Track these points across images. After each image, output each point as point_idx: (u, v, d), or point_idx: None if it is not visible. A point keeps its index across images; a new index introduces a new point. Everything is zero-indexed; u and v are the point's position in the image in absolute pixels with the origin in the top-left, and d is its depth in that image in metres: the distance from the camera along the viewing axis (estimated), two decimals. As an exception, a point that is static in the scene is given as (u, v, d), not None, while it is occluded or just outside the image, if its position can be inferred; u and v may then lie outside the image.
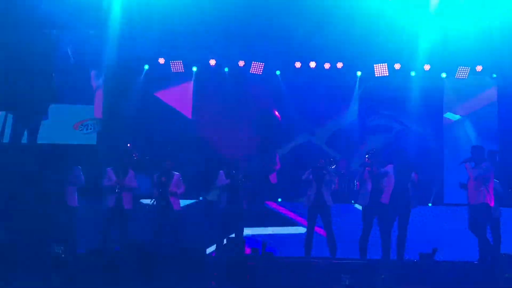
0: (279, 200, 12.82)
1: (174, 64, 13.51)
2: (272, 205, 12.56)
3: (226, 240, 9.83)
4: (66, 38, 11.97)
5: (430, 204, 12.67)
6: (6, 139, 10.18)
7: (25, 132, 9.95)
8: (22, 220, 9.11)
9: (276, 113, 13.92)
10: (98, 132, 13.01)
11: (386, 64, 13.40)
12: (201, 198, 12.68)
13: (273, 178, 13.02)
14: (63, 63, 11.88)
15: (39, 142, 11.60)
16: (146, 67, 13.71)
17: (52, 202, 9.93)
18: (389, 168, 10.34)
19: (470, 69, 13.30)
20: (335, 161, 11.01)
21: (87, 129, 12.94)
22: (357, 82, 13.96)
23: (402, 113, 13.86)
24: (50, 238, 8.30)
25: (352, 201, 12.09)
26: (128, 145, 12.40)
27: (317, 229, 10.72)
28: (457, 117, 13.78)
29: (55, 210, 10.23)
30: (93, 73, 12.85)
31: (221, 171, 10.87)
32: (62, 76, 11.70)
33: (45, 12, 9.50)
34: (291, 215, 12.35)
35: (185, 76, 13.81)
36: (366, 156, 10.51)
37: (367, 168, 10.31)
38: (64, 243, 8.02)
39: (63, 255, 7.98)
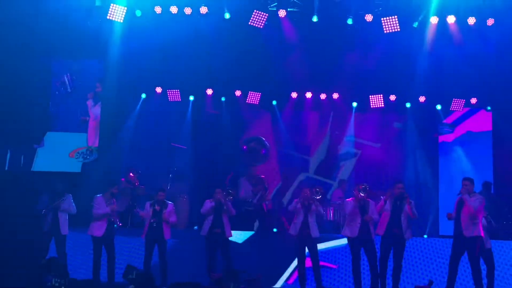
0: (274, 230, 12.79)
1: (171, 93, 13.58)
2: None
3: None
4: (63, 67, 12.10)
5: (425, 236, 12.62)
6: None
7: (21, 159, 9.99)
8: (15, 248, 9.10)
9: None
10: (93, 161, 13.00)
11: (381, 95, 13.48)
12: (195, 227, 12.64)
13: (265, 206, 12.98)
14: (60, 92, 11.97)
15: (35, 169, 11.69)
16: (143, 96, 13.78)
17: (44, 230, 9.95)
18: (412, 203, 10.32)
19: (465, 101, 13.40)
20: (320, 192, 10.94)
21: (83, 157, 12.94)
22: (353, 113, 14.05)
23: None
24: (44, 268, 8.23)
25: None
26: (122, 179, 12.49)
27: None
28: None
29: (47, 238, 10.26)
30: (89, 102, 12.89)
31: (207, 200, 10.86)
32: (59, 104, 11.82)
33: (44, 41, 9.64)
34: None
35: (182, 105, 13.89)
36: (361, 188, 10.47)
37: (359, 198, 10.32)
38: (59, 273, 7.96)
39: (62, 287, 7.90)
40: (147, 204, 10.69)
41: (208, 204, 10.61)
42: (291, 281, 11.19)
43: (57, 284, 6.86)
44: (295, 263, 10.86)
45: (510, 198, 12.84)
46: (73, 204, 10.47)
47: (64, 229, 10.37)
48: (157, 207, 10.56)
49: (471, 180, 10.03)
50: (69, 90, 12.59)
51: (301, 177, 14.05)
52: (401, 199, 10.17)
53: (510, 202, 12.70)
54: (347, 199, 10.66)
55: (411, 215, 10.12)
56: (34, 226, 9.68)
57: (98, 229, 10.30)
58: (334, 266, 11.09)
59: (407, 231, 10.18)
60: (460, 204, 9.88)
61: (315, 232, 10.48)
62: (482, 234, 9.80)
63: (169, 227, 10.61)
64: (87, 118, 12.79)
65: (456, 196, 10.00)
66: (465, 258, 9.96)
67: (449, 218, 10.01)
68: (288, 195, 13.92)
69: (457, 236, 9.95)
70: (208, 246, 10.63)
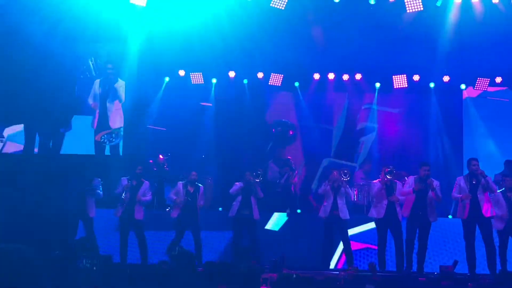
0: (298, 211, 12.87)
1: (194, 76, 13.65)
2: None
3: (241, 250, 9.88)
4: (88, 51, 12.19)
5: (450, 216, 12.60)
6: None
7: (50, 143, 10.13)
8: (43, 231, 9.27)
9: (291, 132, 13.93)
10: (118, 143, 13.16)
11: (405, 75, 13.40)
12: (220, 209, 12.77)
13: (292, 187, 13.03)
14: (85, 76, 12.07)
15: (62, 152, 11.84)
16: (167, 79, 13.87)
17: (74, 213, 10.14)
18: (410, 180, 10.38)
19: (489, 80, 13.27)
20: (348, 173, 11.00)
21: (108, 140, 13.10)
22: (376, 93, 14.00)
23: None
24: (75, 248, 8.38)
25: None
26: (151, 161, 12.59)
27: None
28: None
29: (76, 221, 10.45)
30: (96, 82, 12.99)
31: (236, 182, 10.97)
32: (84, 88, 11.92)
33: (69, 26, 9.73)
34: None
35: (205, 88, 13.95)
36: (387, 171, 10.48)
37: (385, 180, 10.34)
38: (90, 254, 8.10)
39: (94, 268, 8.02)
40: (179, 184, 10.79)
41: (237, 185, 10.75)
42: (340, 265, 11.26)
43: (88, 265, 6.98)
44: (341, 246, 10.93)
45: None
46: (101, 188, 10.67)
47: (92, 211, 10.56)
48: (190, 188, 10.70)
49: (477, 160, 10.18)
50: (94, 74, 12.72)
51: (325, 162, 14.06)
52: (426, 181, 10.20)
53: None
54: (374, 181, 10.71)
55: (435, 198, 10.15)
56: (63, 209, 9.82)
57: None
58: (374, 247, 11.11)
59: (432, 213, 10.21)
60: (475, 184, 9.98)
61: (345, 214, 10.56)
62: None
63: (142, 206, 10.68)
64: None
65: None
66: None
67: (465, 199, 10.04)
68: (315, 181, 13.93)
69: (474, 216, 10.01)
70: (235, 227, 10.75)
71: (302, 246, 11.50)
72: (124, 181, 10.60)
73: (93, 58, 12.50)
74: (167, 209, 10.83)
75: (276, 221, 11.93)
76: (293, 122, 14.06)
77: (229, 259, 10.49)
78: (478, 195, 10.00)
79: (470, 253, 10.16)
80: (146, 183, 10.68)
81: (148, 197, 10.66)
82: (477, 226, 10.12)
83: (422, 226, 10.25)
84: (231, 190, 10.82)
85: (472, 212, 10.03)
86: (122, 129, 13.15)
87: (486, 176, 10.11)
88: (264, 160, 13.62)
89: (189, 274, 5.61)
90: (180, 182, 10.85)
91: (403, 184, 10.56)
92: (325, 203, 10.63)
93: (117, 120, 13.06)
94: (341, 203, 10.55)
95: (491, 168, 12.00)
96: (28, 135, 10.52)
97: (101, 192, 10.65)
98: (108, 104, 12.92)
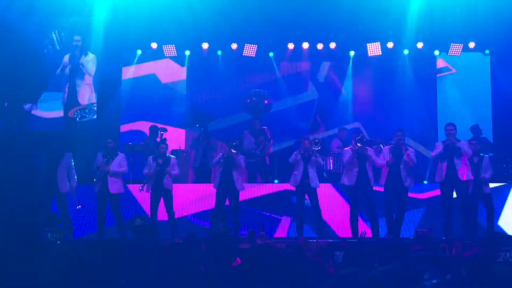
0: (275, 181, 12.87)
1: (167, 49, 13.50)
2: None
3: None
4: (51, 25, 11.94)
5: (425, 182, 12.69)
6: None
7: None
8: (13, 207, 9.20)
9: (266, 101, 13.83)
10: (92, 119, 13.03)
11: (379, 43, 13.36)
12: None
13: (268, 160, 13.01)
14: (48, 50, 11.84)
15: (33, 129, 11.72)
16: (139, 52, 13.72)
17: (45, 189, 10.04)
18: (385, 150, 10.45)
19: (463, 46, 13.26)
20: (319, 142, 10.99)
21: (81, 115, 12.96)
22: (350, 62, 13.96)
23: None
24: (44, 225, 8.34)
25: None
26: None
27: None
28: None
29: (48, 196, 10.37)
30: (66, 56, 12.76)
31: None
32: (48, 62, 11.68)
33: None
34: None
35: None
36: (357, 138, 10.50)
37: (356, 148, 10.36)
38: (57, 229, 8.06)
39: (58, 242, 8.00)
40: (150, 158, 10.76)
41: (217, 157, 10.76)
42: None
43: (53, 239, 6.95)
44: None
45: (509, 142, 12.84)
46: (72, 163, 10.55)
47: (63, 186, 10.45)
48: (159, 161, 10.67)
49: (454, 125, 10.27)
50: (58, 47, 12.50)
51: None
52: (399, 147, 10.27)
53: (508, 146, 12.69)
54: (345, 148, 10.73)
55: (410, 162, 10.21)
56: (32, 186, 9.76)
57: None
58: None
59: (407, 179, 10.29)
60: (451, 148, 10.06)
61: (315, 182, 10.58)
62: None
63: (171, 180, 10.70)
64: None
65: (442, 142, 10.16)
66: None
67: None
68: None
69: (450, 180, 10.11)
70: (218, 199, 10.74)
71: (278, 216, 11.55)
72: (100, 156, 10.54)
73: (56, 31, 12.26)
74: (140, 188, 10.73)
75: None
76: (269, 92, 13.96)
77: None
78: (455, 159, 10.11)
79: (447, 217, 10.28)
80: (121, 155, 10.64)
81: (124, 168, 10.61)
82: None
83: (399, 192, 10.34)
84: (212, 162, 10.83)
85: (448, 176, 10.14)
86: (95, 104, 13.01)
87: (460, 141, 10.24)
88: (240, 131, 13.54)
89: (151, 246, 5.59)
90: (150, 156, 10.82)
91: (376, 150, 10.61)
92: (295, 172, 10.64)
93: (86, 96, 12.88)
94: (311, 172, 10.54)
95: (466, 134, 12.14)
96: None
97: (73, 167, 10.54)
98: (77, 80, 12.72)
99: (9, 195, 8.77)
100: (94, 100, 13.01)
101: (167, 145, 11.35)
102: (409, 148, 10.57)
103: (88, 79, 12.85)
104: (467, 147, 10.23)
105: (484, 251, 7.01)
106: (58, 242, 7.16)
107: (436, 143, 10.59)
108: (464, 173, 10.17)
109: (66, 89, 12.72)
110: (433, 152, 10.49)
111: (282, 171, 12.40)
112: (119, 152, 10.70)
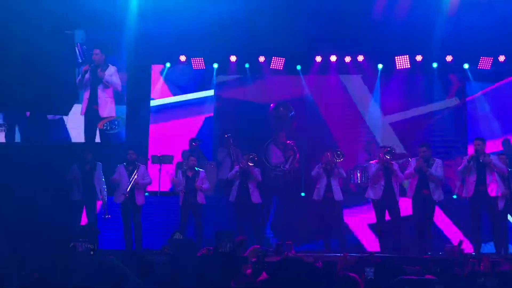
0: (302, 194, 12.82)
1: (195, 61, 13.59)
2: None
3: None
4: (84, 38, 12.13)
5: (454, 196, 12.54)
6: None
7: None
8: (47, 218, 9.33)
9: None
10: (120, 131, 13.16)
11: (407, 56, 13.28)
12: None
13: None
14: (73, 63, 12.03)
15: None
16: (168, 65, 13.84)
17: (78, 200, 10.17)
18: (413, 161, 10.40)
19: (493, 59, 13.13)
20: (341, 154, 10.96)
21: (110, 127, 13.10)
22: (379, 75, 13.89)
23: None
24: (78, 236, 8.43)
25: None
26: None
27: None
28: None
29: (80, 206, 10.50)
30: (85, 68, 12.89)
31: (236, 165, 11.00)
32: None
33: (64, 13, 9.69)
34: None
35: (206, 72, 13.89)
36: (385, 151, 10.47)
37: (383, 161, 10.32)
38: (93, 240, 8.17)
39: (91, 252, 8.06)
40: (179, 172, 10.84)
41: (234, 170, 10.76)
42: None
43: (86, 250, 7.01)
44: None
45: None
46: (102, 173, 10.70)
47: (96, 196, 10.61)
48: (189, 174, 10.75)
49: (483, 140, 10.22)
50: (79, 60, 12.70)
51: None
52: (427, 161, 10.20)
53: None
54: (371, 161, 10.68)
55: (434, 177, 10.12)
56: (62, 196, 9.91)
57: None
58: None
59: (435, 192, 10.20)
60: (480, 163, 9.99)
61: (338, 195, 10.54)
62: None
63: (202, 193, 10.76)
64: None
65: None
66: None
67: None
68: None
69: (479, 195, 9.96)
70: (236, 212, 10.75)
71: (307, 230, 11.50)
72: (121, 167, 10.66)
73: (78, 44, 12.47)
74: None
75: None
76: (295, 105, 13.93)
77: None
78: (487, 175, 9.97)
79: (475, 232, 10.15)
80: (142, 167, 10.74)
81: (147, 180, 10.70)
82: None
83: (427, 205, 10.25)
84: (229, 175, 10.86)
85: (477, 192, 10.01)
86: (123, 118, 13.14)
87: (490, 155, 10.11)
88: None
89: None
90: (180, 170, 10.91)
91: (401, 165, 10.55)
92: (318, 186, 10.62)
93: (107, 108, 13.01)
94: (335, 184, 10.54)
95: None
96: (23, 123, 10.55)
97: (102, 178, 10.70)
98: (99, 92, 12.87)
99: (43, 206, 8.91)
100: (114, 113, 13.11)
101: (196, 157, 11.39)
102: (437, 160, 10.45)
103: (109, 92, 12.99)
104: (497, 161, 10.11)
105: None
106: (91, 253, 7.25)
107: (464, 157, 10.48)
108: (494, 189, 10.04)
109: (85, 101, 12.85)
110: (459, 166, 10.36)
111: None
112: (140, 164, 10.77)
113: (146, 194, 11.29)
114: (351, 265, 7.12)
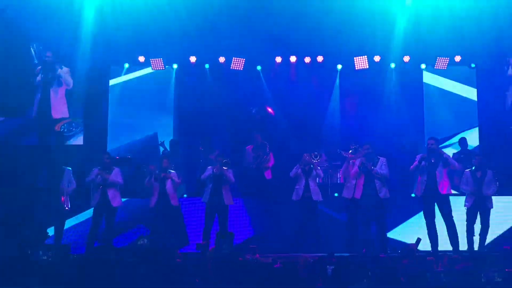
0: (336, 194, 12.71)
1: (154, 62, 13.47)
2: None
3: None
4: (37, 36, 11.92)
5: (413, 195, 12.71)
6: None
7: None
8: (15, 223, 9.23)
9: (269, 109, 13.85)
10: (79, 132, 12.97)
11: (366, 56, 13.42)
12: (185, 195, 12.69)
13: (267, 174, 12.85)
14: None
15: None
16: (127, 65, 13.69)
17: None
18: (383, 161, 10.46)
19: (449, 59, 13.36)
20: (319, 154, 11.06)
21: (68, 129, 12.89)
22: (338, 76, 14.00)
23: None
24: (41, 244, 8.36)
25: (336, 194, 12.25)
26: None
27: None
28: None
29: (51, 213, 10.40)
30: (38, 69, 12.69)
31: (209, 167, 10.95)
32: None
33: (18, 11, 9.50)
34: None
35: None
36: (350, 150, 10.61)
37: (353, 161, 10.44)
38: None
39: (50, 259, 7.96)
40: (151, 177, 10.79)
41: (208, 172, 10.74)
42: None
43: (44, 257, 6.92)
44: None
45: (496, 155, 12.88)
46: (73, 180, 10.61)
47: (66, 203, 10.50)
48: (163, 175, 10.72)
49: (436, 139, 10.39)
50: (35, 61, 12.48)
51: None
52: (371, 160, 10.31)
53: (496, 159, 12.74)
54: (353, 160, 10.72)
55: (378, 174, 10.24)
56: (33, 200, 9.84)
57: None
58: None
59: (381, 190, 10.31)
60: (435, 162, 10.12)
61: (317, 195, 10.67)
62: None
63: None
64: None
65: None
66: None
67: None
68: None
69: (431, 193, 10.12)
70: (208, 213, 10.73)
71: (277, 230, 11.53)
72: (95, 170, 10.57)
73: (34, 45, 12.28)
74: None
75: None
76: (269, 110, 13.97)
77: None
78: (437, 173, 10.12)
79: (430, 230, 10.28)
80: (117, 169, 10.67)
81: (119, 179, 10.63)
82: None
83: (375, 205, 10.34)
84: (202, 176, 10.79)
85: (428, 189, 10.14)
86: (80, 120, 12.95)
87: (444, 153, 10.29)
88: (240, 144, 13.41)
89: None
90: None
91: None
92: (297, 186, 10.73)
93: (59, 109, 12.80)
94: (313, 185, 10.67)
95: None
96: None
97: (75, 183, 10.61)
98: (52, 92, 12.66)
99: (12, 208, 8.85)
100: (67, 114, 12.90)
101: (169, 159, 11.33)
102: (381, 158, 10.54)
103: (62, 93, 12.80)
104: (451, 159, 10.32)
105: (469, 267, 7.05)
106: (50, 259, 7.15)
107: (417, 156, 10.57)
108: (444, 187, 10.19)
109: (35, 102, 12.64)
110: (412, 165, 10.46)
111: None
112: (114, 167, 10.74)
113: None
114: (311, 264, 7.17)
